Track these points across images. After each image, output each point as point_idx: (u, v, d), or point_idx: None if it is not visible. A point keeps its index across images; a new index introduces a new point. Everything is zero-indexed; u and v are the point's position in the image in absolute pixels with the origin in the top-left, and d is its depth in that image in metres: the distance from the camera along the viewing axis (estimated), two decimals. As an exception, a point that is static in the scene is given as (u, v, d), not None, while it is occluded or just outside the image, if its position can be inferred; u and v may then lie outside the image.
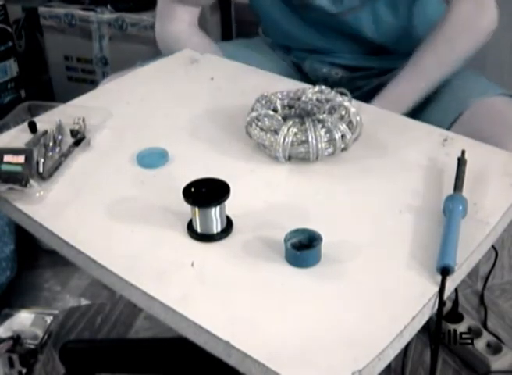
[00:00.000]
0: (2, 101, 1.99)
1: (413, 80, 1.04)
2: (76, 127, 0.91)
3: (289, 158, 0.82)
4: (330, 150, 0.81)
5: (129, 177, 0.82)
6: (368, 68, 1.21)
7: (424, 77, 1.04)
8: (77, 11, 2.01)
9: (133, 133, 0.92)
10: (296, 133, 0.80)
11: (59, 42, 2.07)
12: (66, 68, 2.11)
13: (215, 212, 0.69)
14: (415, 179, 0.80)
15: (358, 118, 0.83)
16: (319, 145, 0.80)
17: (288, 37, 1.25)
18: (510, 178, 0.79)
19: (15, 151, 0.85)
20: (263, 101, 0.88)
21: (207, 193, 0.69)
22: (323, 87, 0.90)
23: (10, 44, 1.99)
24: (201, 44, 1.18)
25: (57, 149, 0.88)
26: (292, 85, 1.01)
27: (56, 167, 0.84)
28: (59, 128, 0.92)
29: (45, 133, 0.92)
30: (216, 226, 0.70)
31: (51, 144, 0.89)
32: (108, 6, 1.98)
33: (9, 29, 1.98)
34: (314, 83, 0.97)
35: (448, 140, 0.87)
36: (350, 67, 1.21)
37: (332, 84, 0.98)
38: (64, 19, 2.02)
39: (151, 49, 1.94)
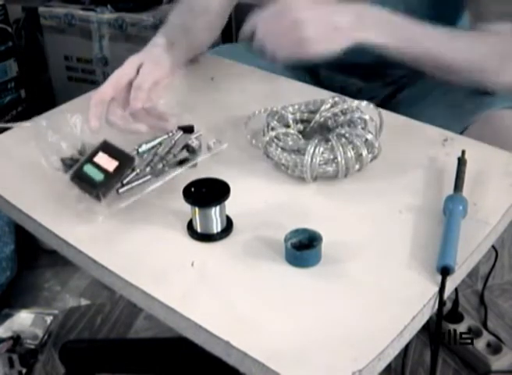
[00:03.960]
0: (2, 102, 1.99)
1: (433, 39, 0.88)
2: (194, 144, 0.81)
3: (316, 178, 0.79)
4: (358, 166, 0.79)
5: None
6: (386, 75, 1.18)
7: (447, 45, 0.88)
8: (77, 11, 2.01)
9: (133, 133, 0.92)
10: (322, 153, 0.77)
11: (59, 42, 2.07)
12: (66, 68, 2.11)
13: (215, 211, 0.69)
14: (415, 179, 0.80)
15: (378, 128, 0.82)
16: (349, 163, 0.77)
17: None
18: (510, 178, 0.79)
19: (114, 153, 0.74)
20: (275, 117, 0.84)
21: (207, 193, 0.69)
22: (336, 98, 0.86)
23: (10, 44, 1.99)
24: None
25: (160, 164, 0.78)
26: (296, 87, 1.01)
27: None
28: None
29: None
30: (216, 226, 0.70)
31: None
32: (108, 6, 1.98)
33: (9, 29, 1.98)
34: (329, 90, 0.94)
35: (448, 140, 0.87)
36: (367, 76, 1.19)
37: (349, 93, 0.95)
38: (64, 19, 2.02)
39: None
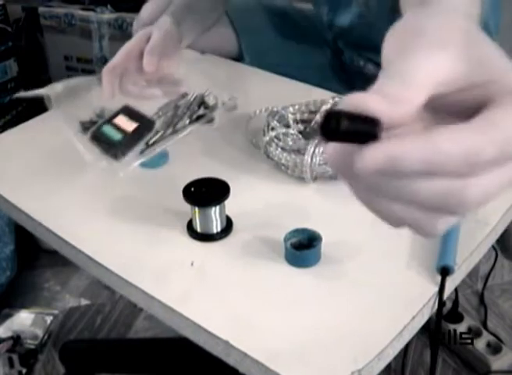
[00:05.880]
0: (2, 101, 1.99)
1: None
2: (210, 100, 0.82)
3: (315, 178, 0.79)
4: None
5: (129, 177, 0.82)
6: None
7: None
8: (77, 11, 2.01)
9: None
10: (322, 153, 0.77)
11: (59, 42, 2.07)
12: (66, 68, 2.11)
13: (214, 211, 0.69)
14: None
15: None
16: None
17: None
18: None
19: (134, 116, 0.74)
20: (276, 117, 0.84)
21: (207, 193, 0.69)
22: (336, 98, 0.86)
23: (10, 44, 1.99)
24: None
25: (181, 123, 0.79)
26: (296, 88, 1.01)
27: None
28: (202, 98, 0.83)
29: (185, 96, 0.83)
30: (216, 226, 0.70)
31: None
32: (108, 6, 1.98)
33: (9, 29, 1.98)
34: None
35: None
36: None
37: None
38: (64, 19, 2.02)
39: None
